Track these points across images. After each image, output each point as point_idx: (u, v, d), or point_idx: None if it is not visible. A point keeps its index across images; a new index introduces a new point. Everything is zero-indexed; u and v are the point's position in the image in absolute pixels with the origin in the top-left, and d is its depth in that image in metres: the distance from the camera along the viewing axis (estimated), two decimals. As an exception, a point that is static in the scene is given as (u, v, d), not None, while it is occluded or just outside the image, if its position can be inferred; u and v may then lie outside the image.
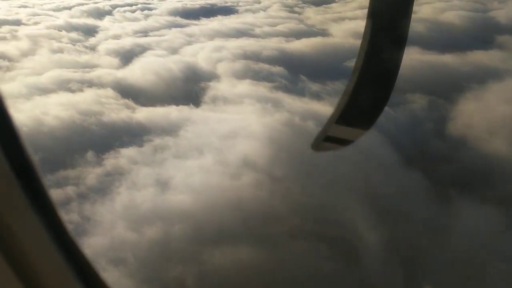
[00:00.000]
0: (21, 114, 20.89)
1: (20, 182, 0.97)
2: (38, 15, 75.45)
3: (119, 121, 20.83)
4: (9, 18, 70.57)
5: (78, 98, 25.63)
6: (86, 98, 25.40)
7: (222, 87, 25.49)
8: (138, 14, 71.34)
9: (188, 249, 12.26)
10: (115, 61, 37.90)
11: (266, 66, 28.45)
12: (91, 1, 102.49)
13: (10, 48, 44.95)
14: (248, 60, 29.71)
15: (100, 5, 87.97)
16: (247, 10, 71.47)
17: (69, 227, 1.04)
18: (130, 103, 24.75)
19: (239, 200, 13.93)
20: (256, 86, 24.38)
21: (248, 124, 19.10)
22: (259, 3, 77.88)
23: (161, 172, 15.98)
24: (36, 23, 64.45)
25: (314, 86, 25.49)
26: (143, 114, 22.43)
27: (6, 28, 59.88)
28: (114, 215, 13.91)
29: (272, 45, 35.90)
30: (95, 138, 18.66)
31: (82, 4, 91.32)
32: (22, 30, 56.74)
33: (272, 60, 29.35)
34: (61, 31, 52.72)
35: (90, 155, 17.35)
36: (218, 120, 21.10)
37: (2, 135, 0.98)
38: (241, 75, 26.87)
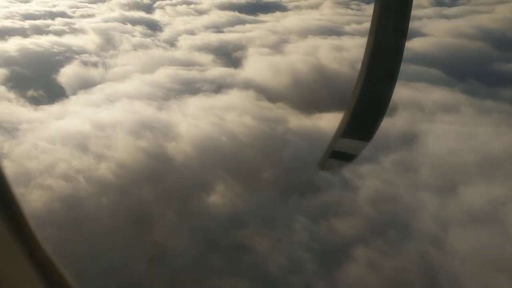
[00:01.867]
0: (199, 124, 18.24)
1: None
2: (79, 7, 72.55)
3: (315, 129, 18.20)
4: (53, 10, 67.57)
5: (221, 102, 22.98)
6: (234, 101, 22.75)
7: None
8: (185, 8, 68.69)
9: None
10: (209, 57, 35.27)
11: (416, 68, 26.02)
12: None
13: (82, 41, 42.04)
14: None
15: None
16: (296, 7, 69.11)
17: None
18: (291, 109, 22.15)
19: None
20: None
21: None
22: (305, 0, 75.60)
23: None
24: (88, 16, 61.55)
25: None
26: (326, 121, 19.81)
27: (59, 20, 56.92)
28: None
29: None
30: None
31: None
32: (79, 23, 53.79)
33: (419, 61, 26.93)
34: (125, 24, 49.85)
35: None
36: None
37: None
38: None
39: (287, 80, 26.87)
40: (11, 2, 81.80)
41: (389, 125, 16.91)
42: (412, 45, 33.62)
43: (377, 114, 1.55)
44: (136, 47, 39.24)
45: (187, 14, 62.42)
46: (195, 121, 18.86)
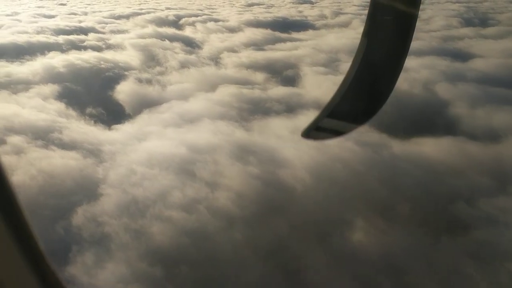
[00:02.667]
0: (302, 148, 16.91)
1: None
2: (106, 23, 72.33)
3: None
4: (82, 25, 67.28)
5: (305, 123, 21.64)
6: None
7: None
8: (212, 25, 68.20)
9: None
10: (262, 76, 34.13)
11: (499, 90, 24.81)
12: (143, 10, 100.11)
13: (124, 57, 41.11)
14: (470, 83, 26.13)
15: (160, 15, 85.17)
16: (325, 25, 68.56)
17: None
18: (378, 132, 20.80)
19: None
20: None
21: None
22: (332, 18, 75.20)
23: None
24: (118, 31, 60.98)
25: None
26: (426, 147, 18.49)
27: (92, 35, 56.32)
28: None
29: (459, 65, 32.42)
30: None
31: (139, 14, 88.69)
32: (113, 39, 53.09)
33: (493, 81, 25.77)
34: (164, 40, 48.98)
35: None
36: None
37: None
38: (482, 101, 23.15)
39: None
40: (35, 17, 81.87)
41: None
42: (476, 66, 32.60)
43: (373, 102, 1.44)
44: (183, 64, 38.25)
45: (219, 31, 61.76)
46: (295, 145, 17.52)
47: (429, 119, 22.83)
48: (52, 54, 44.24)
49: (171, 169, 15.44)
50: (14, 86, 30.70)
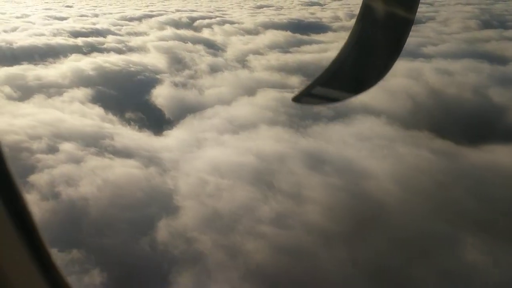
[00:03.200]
0: (376, 156, 16.04)
1: None
2: (120, 25, 71.58)
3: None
4: (97, 27, 66.49)
5: (364, 129, 20.84)
6: (378, 129, 20.62)
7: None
8: (229, 27, 67.38)
9: None
10: (298, 79, 33.22)
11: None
12: (154, 12, 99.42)
13: (150, 60, 40.23)
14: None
15: (173, 17, 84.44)
16: (341, 27, 67.75)
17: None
18: (439, 139, 19.94)
19: None
20: None
21: None
22: (347, 20, 74.44)
23: None
24: (135, 33, 60.15)
25: None
26: (494, 155, 17.64)
27: (111, 37, 55.53)
28: None
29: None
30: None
31: (151, 16, 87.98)
32: (134, 41, 52.22)
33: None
34: (186, 42, 48.12)
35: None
36: None
37: None
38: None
39: (409, 105, 24.82)
40: (47, 19, 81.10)
41: None
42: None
43: (369, 77, 1.42)
44: (212, 67, 37.38)
45: (237, 33, 60.89)
46: (366, 153, 16.68)
47: (491, 126, 21.96)
48: (74, 56, 43.42)
49: (244, 179, 14.57)
50: (46, 89, 29.83)
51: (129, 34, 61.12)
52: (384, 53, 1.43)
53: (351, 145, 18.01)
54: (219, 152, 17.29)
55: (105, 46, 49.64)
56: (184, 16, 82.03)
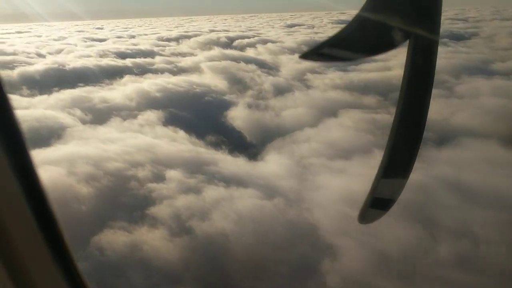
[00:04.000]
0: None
1: (19, 182, 1.00)
2: (162, 46, 71.88)
3: None
4: (141, 48, 66.80)
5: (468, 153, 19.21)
6: (490, 153, 18.94)
7: None
8: (272, 46, 66.82)
9: None
10: (374, 99, 31.82)
11: None
12: (189, 32, 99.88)
13: (209, 81, 39.46)
14: None
15: (210, 37, 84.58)
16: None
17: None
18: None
19: None
20: None
21: None
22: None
23: None
24: (178, 54, 60.05)
25: None
26: None
27: (159, 58, 55.34)
28: None
29: None
30: None
31: (187, 37, 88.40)
32: (184, 62, 51.84)
33: None
34: (239, 62, 47.41)
35: None
36: None
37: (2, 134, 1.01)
38: None
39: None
40: (86, 41, 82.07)
41: None
42: None
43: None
44: (276, 87, 36.33)
45: (282, 52, 60.12)
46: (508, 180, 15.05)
47: None
48: (127, 77, 43.13)
49: (394, 213, 12.99)
50: (117, 112, 29.09)
51: (173, 54, 61.12)
52: (405, 18, 1.24)
53: (483, 171, 16.39)
54: (343, 181, 15.85)
55: (155, 67, 49.38)
56: (222, 36, 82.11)
